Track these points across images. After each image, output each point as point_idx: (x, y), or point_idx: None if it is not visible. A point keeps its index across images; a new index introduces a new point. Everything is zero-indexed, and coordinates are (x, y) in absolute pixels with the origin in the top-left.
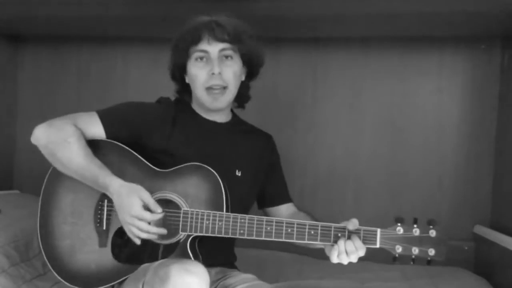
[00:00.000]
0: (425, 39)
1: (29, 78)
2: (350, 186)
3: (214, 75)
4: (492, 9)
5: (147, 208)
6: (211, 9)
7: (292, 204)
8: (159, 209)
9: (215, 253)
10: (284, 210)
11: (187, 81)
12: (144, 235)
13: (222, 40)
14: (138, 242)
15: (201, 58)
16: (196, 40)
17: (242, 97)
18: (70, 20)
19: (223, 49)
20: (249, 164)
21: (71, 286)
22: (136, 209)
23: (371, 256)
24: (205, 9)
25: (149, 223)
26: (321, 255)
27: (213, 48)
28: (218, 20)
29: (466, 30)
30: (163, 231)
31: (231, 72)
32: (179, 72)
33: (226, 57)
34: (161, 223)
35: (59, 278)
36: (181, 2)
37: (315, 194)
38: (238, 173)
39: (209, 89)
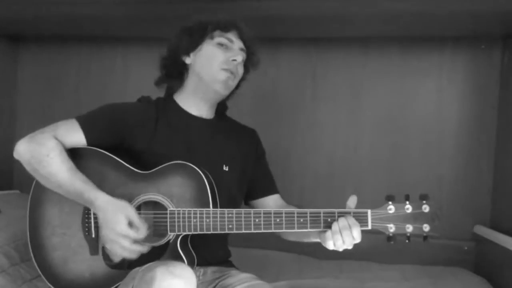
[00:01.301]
0: (425, 39)
1: (29, 78)
2: (350, 186)
3: (235, 61)
4: (492, 9)
5: (132, 225)
6: (211, 9)
7: (279, 196)
8: (145, 227)
9: (209, 250)
10: (271, 202)
11: (188, 61)
12: (126, 254)
13: (243, 42)
14: (116, 260)
15: (222, 45)
16: (228, 28)
17: (223, 104)
18: (70, 20)
19: (242, 49)
20: (236, 158)
21: None
22: (121, 226)
23: (371, 255)
24: (205, 9)
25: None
26: (321, 255)
27: (238, 42)
28: (242, 24)
29: (466, 30)
30: (145, 249)
31: (241, 71)
32: (180, 53)
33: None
34: (149, 228)
35: None
36: (181, 2)
37: (315, 194)
38: (226, 168)
39: (225, 70)
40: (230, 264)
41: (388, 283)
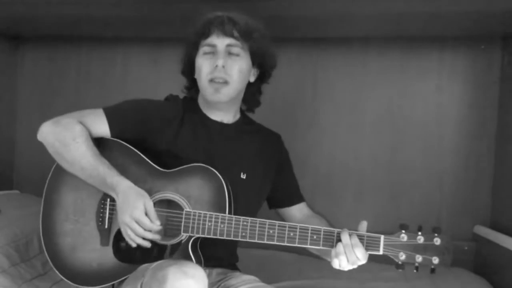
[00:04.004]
0: (425, 39)
1: (29, 78)
2: (350, 186)
3: (217, 67)
4: (492, 9)
5: (147, 215)
6: (213, 9)
7: (304, 204)
8: (158, 222)
9: (218, 254)
10: (297, 212)
11: (195, 76)
12: (139, 240)
13: (230, 35)
14: (133, 244)
15: (209, 52)
16: (206, 34)
17: (251, 100)
18: (70, 20)
19: (230, 45)
20: (256, 166)
21: (72, 284)
22: (138, 212)
23: (371, 256)
24: (206, 9)
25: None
26: None
27: (221, 41)
28: (230, 16)
29: (466, 30)
30: (157, 237)
31: (236, 67)
32: (188, 67)
33: (233, 53)
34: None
35: (60, 276)
36: (181, 3)
37: (315, 194)
38: (243, 176)
39: (211, 81)
40: (235, 267)
41: (388, 283)
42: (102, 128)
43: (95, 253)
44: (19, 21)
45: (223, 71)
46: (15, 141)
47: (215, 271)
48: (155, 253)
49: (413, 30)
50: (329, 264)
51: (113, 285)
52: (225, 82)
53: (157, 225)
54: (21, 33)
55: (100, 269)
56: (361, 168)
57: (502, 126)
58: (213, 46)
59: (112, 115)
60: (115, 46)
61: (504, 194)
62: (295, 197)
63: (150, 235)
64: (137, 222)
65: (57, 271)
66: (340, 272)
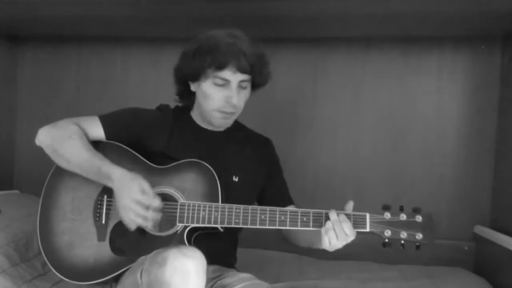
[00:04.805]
0: (425, 39)
1: (29, 78)
2: (350, 186)
3: (230, 103)
4: (492, 9)
5: (144, 193)
6: (212, 9)
7: (293, 206)
8: (157, 198)
9: (214, 251)
10: None
11: (193, 89)
12: (140, 220)
13: (244, 72)
14: (133, 227)
15: (220, 85)
16: (221, 67)
17: None
18: (70, 20)
19: (242, 80)
20: (247, 169)
21: (68, 280)
22: (135, 193)
23: (371, 256)
24: (206, 9)
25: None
26: (321, 255)
27: (235, 78)
28: (244, 49)
29: (466, 30)
30: (159, 215)
31: (243, 99)
32: (184, 79)
33: (243, 87)
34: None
35: (56, 272)
36: (181, 3)
37: (315, 194)
38: (235, 179)
39: (222, 112)
40: (231, 267)
41: (388, 283)
42: (97, 132)
43: (92, 249)
44: (19, 21)
45: (234, 106)
46: (15, 141)
47: (211, 267)
48: (151, 244)
49: (413, 30)
50: (329, 264)
51: (111, 285)
52: (234, 113)
53: (156, 202)
54: (21, 33)
55: (96, 264)
56: (361, 168)
57: (502, 126)
58: (226, 80)
59: (106, 120)
60: (115, 46)
61: (504, 194)
62: (285, 200)
63: (151, 214)
64: (136, 203)
65: (53, 269)
66: (340, 272)
